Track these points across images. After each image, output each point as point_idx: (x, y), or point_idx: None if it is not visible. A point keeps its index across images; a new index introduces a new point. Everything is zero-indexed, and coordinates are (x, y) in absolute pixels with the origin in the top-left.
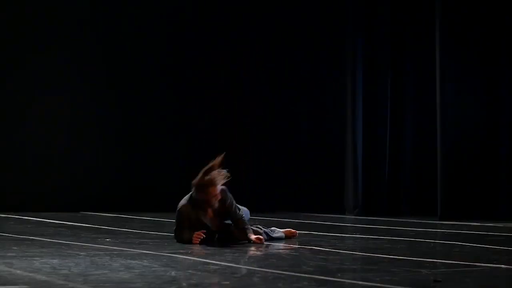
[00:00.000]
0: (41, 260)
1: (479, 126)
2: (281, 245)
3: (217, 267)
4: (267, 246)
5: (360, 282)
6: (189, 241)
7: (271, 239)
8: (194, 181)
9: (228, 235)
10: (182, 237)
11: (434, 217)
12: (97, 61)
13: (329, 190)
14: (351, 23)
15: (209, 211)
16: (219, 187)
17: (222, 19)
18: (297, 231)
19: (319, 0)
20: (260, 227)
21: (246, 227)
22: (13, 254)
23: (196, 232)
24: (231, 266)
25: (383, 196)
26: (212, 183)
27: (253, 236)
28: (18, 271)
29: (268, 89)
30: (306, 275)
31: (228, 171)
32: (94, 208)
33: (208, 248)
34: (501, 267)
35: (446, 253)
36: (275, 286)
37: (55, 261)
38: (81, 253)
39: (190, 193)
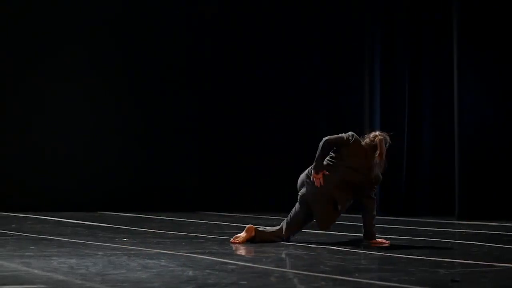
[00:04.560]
0: (59, 260)
1: (497, 126)
2: (299, 244)
3: (234, 266)
4: (286, 246)
5: (378, 282)
6: (316, 171)
7: None
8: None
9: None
10: (319, 160)
11: (452, 217)
12: (117, 62)
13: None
14: (369, 27)
15: (372, 162)
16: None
17: (240, 19)
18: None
19: (338, 3)
20: None
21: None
22: (31, 253)
23: (323, 173)
24: (249, 266)
25: (400, 196)
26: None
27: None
28: (36, 271)
29: (285, 91)
30: (324, 275)
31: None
32: (112, 207)
33: (226, 248)
34: None
35: (464, 253)
36: (293, 286)
37: (72, 260)
38: (99, 253)
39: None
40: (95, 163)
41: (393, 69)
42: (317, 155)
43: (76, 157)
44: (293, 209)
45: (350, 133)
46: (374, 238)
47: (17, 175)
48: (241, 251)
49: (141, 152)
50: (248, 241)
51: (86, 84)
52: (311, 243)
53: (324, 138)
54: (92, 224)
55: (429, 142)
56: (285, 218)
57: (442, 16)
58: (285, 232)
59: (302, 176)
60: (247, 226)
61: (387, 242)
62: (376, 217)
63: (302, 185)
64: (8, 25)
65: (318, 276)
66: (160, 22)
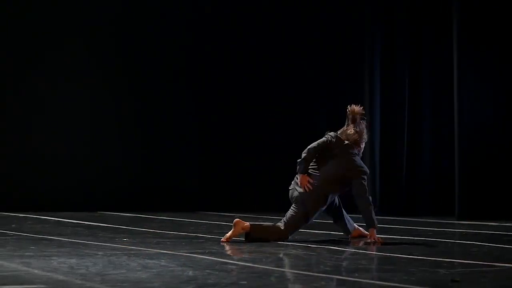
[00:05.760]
0: (59, 260)
1: (497, 126)
2: (299, 244)
3: (234, 266)
4: (286, 246)
5: (378, 282)
6: (302, 172)
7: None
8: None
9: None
10: (303, 164)
11: (452, 217)
12: (117, 62)
13: (347, 190)
14: (369, 27)
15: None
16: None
17: (240, 19)
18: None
19: (338, 3)
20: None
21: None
22: (31, 253)
23: (309, 180)
24: (249, 266)
25: (400, 196)
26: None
27: (373, 234)
28: (36, 271)
29: (285, 91)
30: (324, 275)
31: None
32: (112, 207)
33: (226, 248)
34: None
35: (464, 253)
36: (293, 286)
37: (72, 260)
38: (99, 253)
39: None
40: (95, 163)
41: (393, 69)
42: (300, 159)
43: (76, 157)
44: (289, 210)
45: (332, 133)
46: (375, 225)
47: (17, 175)
48: (241, 251)
49: (141, 152)
50: (245, 238)
51: (86, 84)
52: (311, 243)
53: (308, 147)
54: (92, 224)
55: (429, 142)
56: (282, 219)
57: (442, 16)
58: (284, 233)
59: (292, 184)
60: (234, 220)
61: (380, 241)
62: (376, 217)
63: (293, 191)
64: (8, 25)
65: (318, 276)
66: (160, 22)
